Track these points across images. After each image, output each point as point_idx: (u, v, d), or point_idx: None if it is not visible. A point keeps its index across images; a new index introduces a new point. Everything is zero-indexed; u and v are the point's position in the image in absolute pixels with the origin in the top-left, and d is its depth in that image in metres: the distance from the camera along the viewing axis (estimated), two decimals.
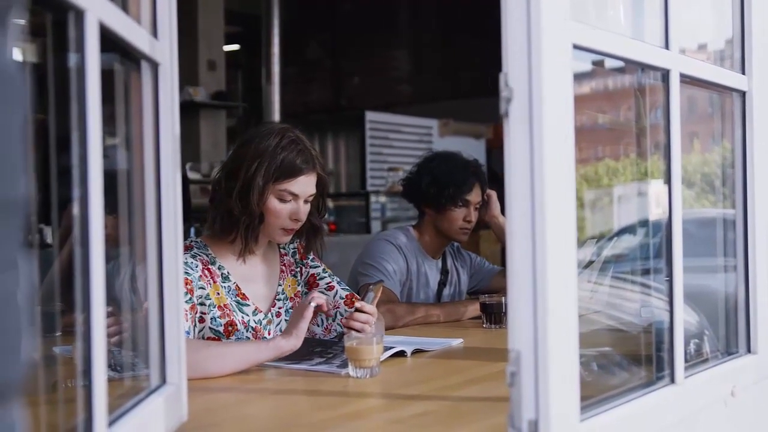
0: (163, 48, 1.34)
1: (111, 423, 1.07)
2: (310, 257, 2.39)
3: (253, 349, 1.95)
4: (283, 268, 2.34)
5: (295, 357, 2.01)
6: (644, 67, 1.54)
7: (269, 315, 2.26)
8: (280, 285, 2.32)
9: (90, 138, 0.99)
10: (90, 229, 0.99)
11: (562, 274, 1.18)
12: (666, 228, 1.52)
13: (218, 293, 2.16)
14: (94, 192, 0.99)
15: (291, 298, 2.33)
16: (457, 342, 2.32)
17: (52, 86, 1.05)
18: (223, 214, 2.17)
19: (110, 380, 1.06)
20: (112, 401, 1.05)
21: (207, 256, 2.19)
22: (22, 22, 0.63)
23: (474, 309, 2.80)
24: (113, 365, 1.31)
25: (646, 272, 1.97)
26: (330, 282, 2.36)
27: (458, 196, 2.94)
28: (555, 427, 1.15)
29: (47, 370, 1.31)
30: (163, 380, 1.35)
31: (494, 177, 3.13)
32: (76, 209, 0.99)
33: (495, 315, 2.62)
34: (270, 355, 1.93)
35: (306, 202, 2.20)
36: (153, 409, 1.25)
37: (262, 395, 1.75)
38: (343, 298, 2.31)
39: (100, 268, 1.00)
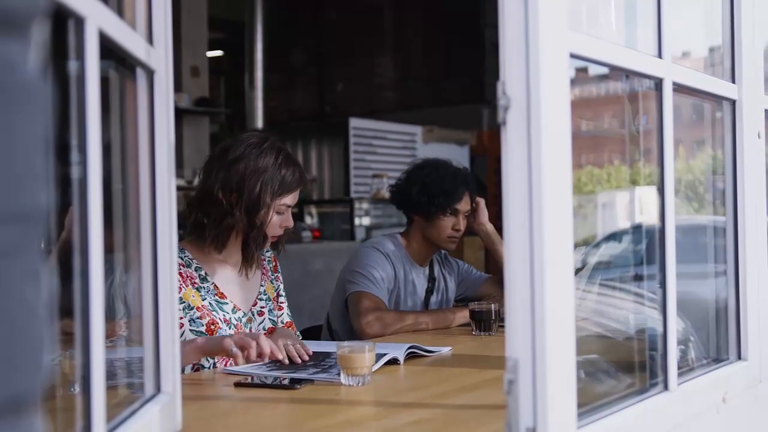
0: (158, 55, 1.33)
1: None
2: (278, 272, 2.50)
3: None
4: (264, 270, 2.43)
5: (290, 367, 2.01)
6: (638, 76, 1.55)
7: (249, 314, 2.33)
8: (262, 285, 2.40)
9: (89, 146, 0.98)
10: (89, 237, 0.98)
11: (560, 282, 1.18)
12: (659, 236, 1.52)
13: (193, 296, 2.21)
14: (93, 199, 0.98)
15: (273, 299, 2.43)
16: (447, 350, 2.32)
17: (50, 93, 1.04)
18: (226, 229, 2.23)
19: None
20: (106, 410, 1.05)
21: (182, 259, 2.23)
22: (44, 31, 0.62)
23: (463, 316, 2.80)
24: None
25: (634, 279, 1.98)
26: (283, 303, 2.49)
27: (448, 205, 2.94)
28: None
29: None
30: (158, 389, 1.34)
31: (479, 184, 3.13)
32: (75, 217, 0.98)
33: (484, 322, 2.62)
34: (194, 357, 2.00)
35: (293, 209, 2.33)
36: (149, 418, 1.24)
37: (255, 404, 1.74)
38: (283, 323, 2.42)
39: (98, 276, 0.99)
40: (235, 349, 1.91)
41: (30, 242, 0.57)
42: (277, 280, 2.48)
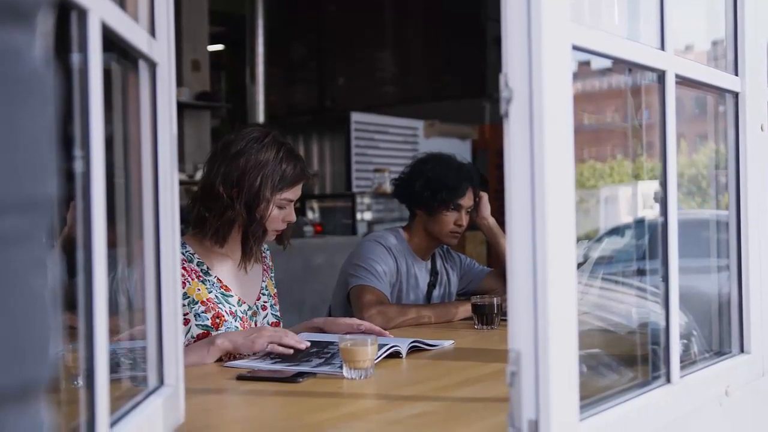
0: (161, 48, 1.33)
1: (112, 424, 1.06)
2: (272, 272, 2.51)
3: (197, 357, 2.04)
4: (265, 266, 2.45)
5: (293, 359, 2.01)
6: (641, 68, 1.54)
7: (254, 307, 2.35)
8: (263, 281, 2.42)
9: (92, 139, 0.98)
10: (92, 231, 0.98)
11: (562, 274, 1.18)
12: (662, 229, 1.52)
13: (199, 290, 2.22)
14: (96, 192, 0.98)
15: (273, 295, 2.44)
16: (449, 343, 2.33)
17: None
18: (227, 223, 2.23)
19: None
20: (110, 402, 1.05)
21: (183, 255, 2.23)
22: (50, 20, 0.63)
23: (465, 310, 2.80)
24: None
25: (635, 274, 1.98)
26: (274, 303, 2.47)
27: (451, 200, 2.93)
28: (555, 426, 1.15)
29: None
30: (161, 381, 1.34)
31: (482, 179, 3.12)
32: (78, 211, 0.98)
33: (486, 316, 2.62)
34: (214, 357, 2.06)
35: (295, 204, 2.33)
36: (152, 410, 1.24)
37: (258, 397, 1.74)
38: (268, 324, 2.40)
39: (102, 269, 0.99)
40: (270, 346, 2.05)
41: (37, 231, 0.57)
42: (273, 279, 2.50)
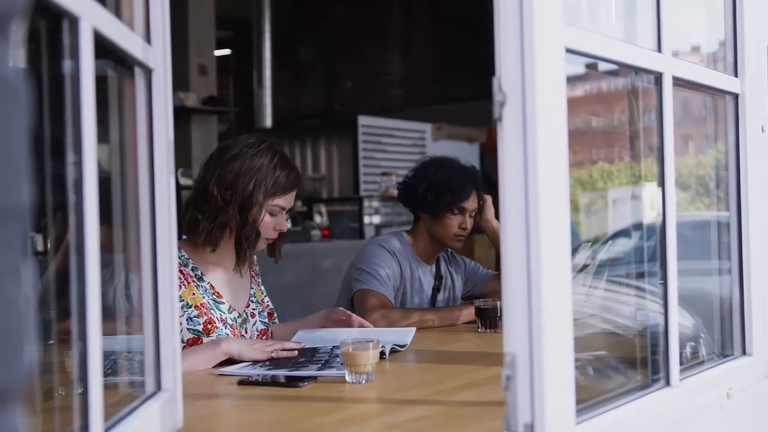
0: (156, 54, 1.34)
1: (107, 430, 1.06)
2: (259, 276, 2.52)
3: (202, 359, 2.06)
4: (253, 274, 2.46)
5: (285, 366, 2.00)
6: (637, 70, 1.54)
7: (244, 314, 2.36)
8: (251, 288, 2.43)
9: (85, 145, 0.98)
10: (85, 237, 0.98)
11: (557, 278, 1.18)
12: (660, 230, 1.52)
13: (193, 293, 2.24)
14: (89, 199, 0.99)
15: (260, 302, 2.45)
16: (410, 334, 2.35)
17: (45, 92, 1.04)
18: (219, 226, 2.24)
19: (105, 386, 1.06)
20: (107, 408, 1.05)
21: (179, 259, 2.24)
22: (23, 29, 0.63)
23: (468, 313, 2.80)
24: (107, 371, 1.31)
25: (641, 276, 1.97)
26: (261, 310, 2.47)
27: (455, 203, 2.93)
28: (551, 430, 1.15)
29: (41, 377, 1.31)
30: (158, 387, 1.35)
31: (488, 181, 3.12)
32: (70, 217, 0.99)
33: (490, 319, 2.61)
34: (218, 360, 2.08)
35: (288, 213, 2.35)
36: (149, 416, 1.24)
37: (257, 401, 1.74)
38: (257, 332, 2.42)
39: (95, 275, 1.00)
40: (275, 353, 2.11)
41: (11, 238, 0.58)
42: (260, 285, 2.51)
